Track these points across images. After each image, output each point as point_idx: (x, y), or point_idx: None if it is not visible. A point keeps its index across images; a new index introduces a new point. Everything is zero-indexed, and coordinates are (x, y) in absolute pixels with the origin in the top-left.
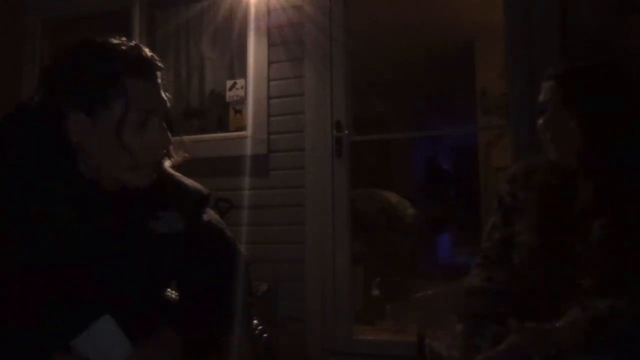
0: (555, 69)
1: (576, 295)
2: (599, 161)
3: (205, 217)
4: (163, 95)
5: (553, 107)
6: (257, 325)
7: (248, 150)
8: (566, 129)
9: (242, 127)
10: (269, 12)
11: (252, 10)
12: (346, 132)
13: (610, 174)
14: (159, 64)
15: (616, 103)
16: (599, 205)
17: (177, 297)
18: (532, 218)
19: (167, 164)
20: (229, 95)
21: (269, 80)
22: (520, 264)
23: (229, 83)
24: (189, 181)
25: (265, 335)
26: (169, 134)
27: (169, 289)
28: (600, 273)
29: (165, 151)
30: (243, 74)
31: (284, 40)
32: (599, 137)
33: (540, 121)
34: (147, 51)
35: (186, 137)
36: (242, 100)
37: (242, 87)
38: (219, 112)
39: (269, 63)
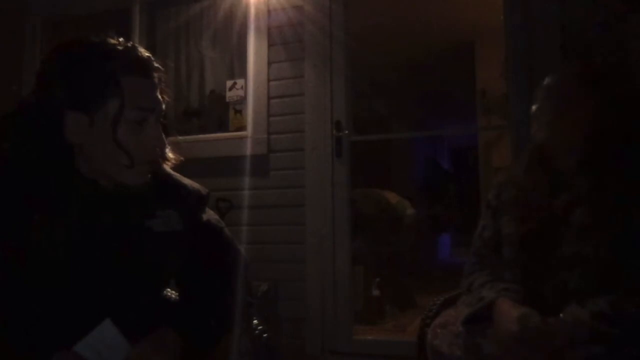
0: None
1: (565, 291)
2: (597, 160)
3: (205, 216)
4: (159, 96)
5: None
6: (257, 325)
7: (248, 150)
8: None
9: (242, 127)
10: (269, 12)
11: (252, 10)
12: (346, 132)
13: (603, 171)
14: (156, 64)
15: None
16: (580, 198)
17: (177, 297)
18: (512, 211)
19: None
20: (229, 95)
21: (269, 80)
22: (510, 260)
23: (229, 83)
24: (187, 181)
25: (265, 335)
26: (164, 136)
27: (169, 289)
28: (586, 268)
29: (159, 152)
30: (243, 74)
31: (284, 40)
32: (599, 138)
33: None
34: (144, 51)
35: (185, 138)
36: (242, 100)
37: (242, 87)
38: (219, 112)
39: (269, 63)
